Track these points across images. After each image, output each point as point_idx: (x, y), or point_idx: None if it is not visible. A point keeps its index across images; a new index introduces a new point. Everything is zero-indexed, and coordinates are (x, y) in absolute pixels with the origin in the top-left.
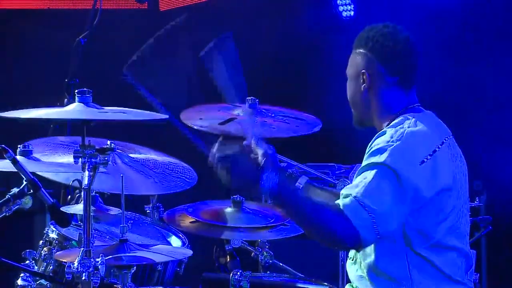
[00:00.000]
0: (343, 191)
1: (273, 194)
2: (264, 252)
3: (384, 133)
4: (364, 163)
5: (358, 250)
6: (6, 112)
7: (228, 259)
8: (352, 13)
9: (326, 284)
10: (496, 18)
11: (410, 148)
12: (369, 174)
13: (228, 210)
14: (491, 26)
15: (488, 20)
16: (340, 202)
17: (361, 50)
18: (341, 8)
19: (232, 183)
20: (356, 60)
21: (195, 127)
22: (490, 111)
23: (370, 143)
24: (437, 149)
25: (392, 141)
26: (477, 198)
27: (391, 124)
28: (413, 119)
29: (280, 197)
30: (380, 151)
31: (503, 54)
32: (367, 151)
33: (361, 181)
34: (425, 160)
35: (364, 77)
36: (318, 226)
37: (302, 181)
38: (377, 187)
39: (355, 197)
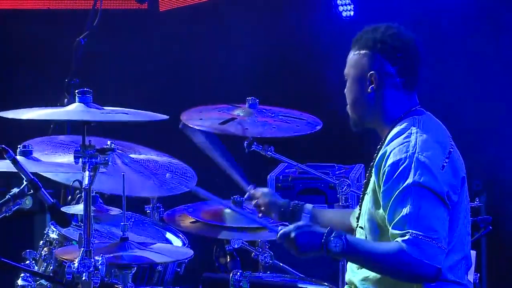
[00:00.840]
0: (394, 231)
1: (341, 255)
2: (264, 252)
3: (394, 143)
4: (393, 188)
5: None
6: (5, 112)
7: (228, 259)
8: (352, 13)
9: (326, 284)
10: (494, 19)
11: (429, 157)
12: (408, 202)
13: (228, 210)
14: (490, 26)
15: (487, 21)
16: (400, 241)
17: (367, 51)
18: (341, 8)
19: (300, 253)
20: (361, 61)
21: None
22: (490, 111)
23: (382, 153)
24: (451, 149)
25: (410, 156)
26: (477, 198)
27: (396, 130)
28: (419, 123)
29: (347, 256)
30: (404, 171)
31: (502, 54)
32: (384, 167)
33: (406, 213)
34: (444, 164)
35: (372, 78)
36: (394, 275)
37: (307, 208)
38: (422, 212)
39: (411, 233)
